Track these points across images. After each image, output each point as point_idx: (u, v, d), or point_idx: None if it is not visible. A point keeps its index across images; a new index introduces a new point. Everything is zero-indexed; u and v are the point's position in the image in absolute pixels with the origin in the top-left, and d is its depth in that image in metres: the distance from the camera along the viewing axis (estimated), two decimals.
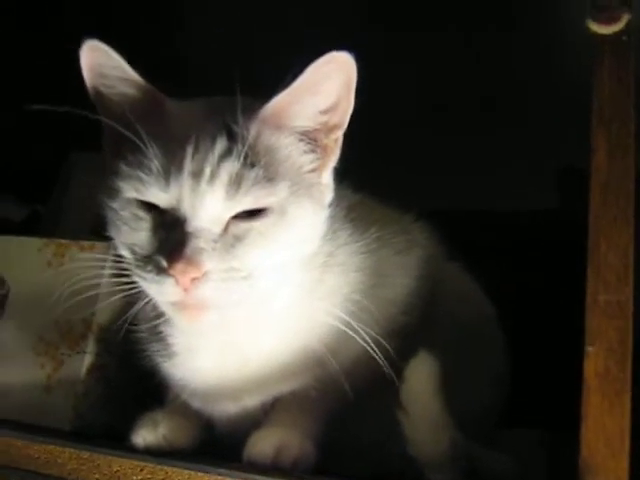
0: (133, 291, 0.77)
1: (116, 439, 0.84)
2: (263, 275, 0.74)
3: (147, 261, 0.73)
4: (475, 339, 0.90)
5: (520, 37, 1.33)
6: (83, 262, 0.89)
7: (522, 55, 1.34)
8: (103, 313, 0.93)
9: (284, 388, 0.83)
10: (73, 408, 0.91)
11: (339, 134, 0.79)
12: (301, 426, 0.81)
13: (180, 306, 0.73)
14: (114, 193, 0.77)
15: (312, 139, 0.79)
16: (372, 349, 0.76)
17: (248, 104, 0.77)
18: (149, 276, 0.73)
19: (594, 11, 0.72)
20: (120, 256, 0.78)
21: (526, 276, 1.26)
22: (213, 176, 0.72)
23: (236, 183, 0.72)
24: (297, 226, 0.76)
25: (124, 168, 0.75)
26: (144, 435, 0.83)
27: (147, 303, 0.79)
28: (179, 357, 0.83)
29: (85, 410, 0.92)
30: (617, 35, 0.71)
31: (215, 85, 0.76)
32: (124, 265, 0.77)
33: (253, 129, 0.75)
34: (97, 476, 0.80)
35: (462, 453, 0.76)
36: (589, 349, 0.65)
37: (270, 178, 0.74)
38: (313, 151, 0.79)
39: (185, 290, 0.70)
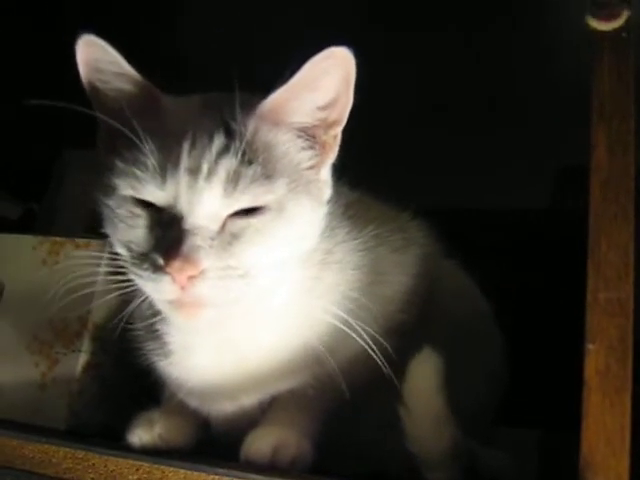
0: (129, 289, 0.76)
1: (112, 438, 0.84)
2: (261, 273, 0.73)
3: (143, 259, 0.73)
4: (471, 336, 0.89)
5: (520, 35, 1.33)
6: (78, 260, 0.88)
7: (522, 53, 1.33)
8: (98, 311, 0.93)
9: (282, 387, 0.82)
10: (68, 407, 0.91)
11: (338, 130, 0.78)
12: (299, 425, 0.81)
13: (177, 304, 0.73)
14: (110, 190, 0.76)
15: (311, 135, 0.78)
16: (370, 348, 0.75)
17: (246, 100, 0.76)
18: (145, 274, 0.72)
19: (594, 8, 0.71)
20: (116, 254, 0.77)
21: (525, 275, 1.26)
22: (210, 173, 0.71)
23: (234, 180, 0.71)
24: (295, 223, 0.75)
25: (120, 165, 0.75)
26: (140, 434, 0.82)
27: (143, 301, 0.78)
28: (175, 356, 0.82)
29: (80, 409, 0.92)
30: (617, 32, 0.71)
31: (214, 81, 0.76)
32: (120, 263, 0.76)
33: (251, 125, 0.75)
34: (92, 476, 0.80)
35: (463, 451, 0.76)
36: (589, 347, 0.65)
37: (268, 175, 0.73)
38: (312, 147, 0.78)
39: (182, 288, 0.70)
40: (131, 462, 0.78)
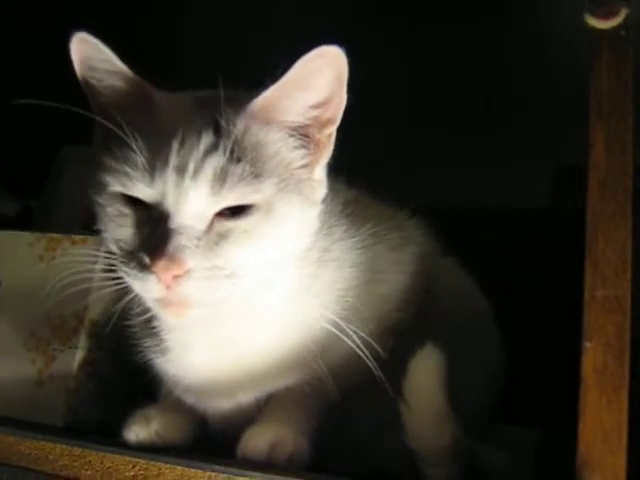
0: (124, 286, 0.76)
1: (108, 435, 0.83)
2: (248, 273, 0.73)
3: (131, 257, 0.73)
4: (470, 335, 0.89)
5: (518, 33, 1.33)
6: (75, 256, 0.88)
7: (520, 51, 1.34)
8: (95, 308, 0.93)
9: (279, 384, 0.82)
10: (65, 404, 0.91)
11: (332, 129, 0.77)
12: (295, 422, 0.81)
13: (164, 303, 0.73)
14: (101, 188, 0.76)
15: (303, 134, 0.78)
16: (362, 350, 0.75)
17: (240, 98, 0.76)
18: (133, 272, 0.72)
19: (592, 5, 0.71)
20: (110, 251, 0.78)
21: (522, 273, 1.26)
22: (197, 172, 0.71)
23: (221, 179, 0.71)
24: (285, 223, 0.75)
25: (111, 162, 0.75)
26: (137, 431, 0.82)
27: (133, 298, 0.78)
28: (172, 353, 0.82)
29: (77, 406, 0.92)
30: (615, 30, 0.71)
31: (209, 79, 0.75)
32: (112, 260, 0.76)
33: (241, 124, 0.74)
34: (89, 472, 0.80)
35: (463, 448, 0.76)
36: (587, 345, 0.65)
37: (257, 174, 0.73)
38: (304, 147, 0.78)
39: (167, 287, 0.70)
40: (128, 459, 0.78)
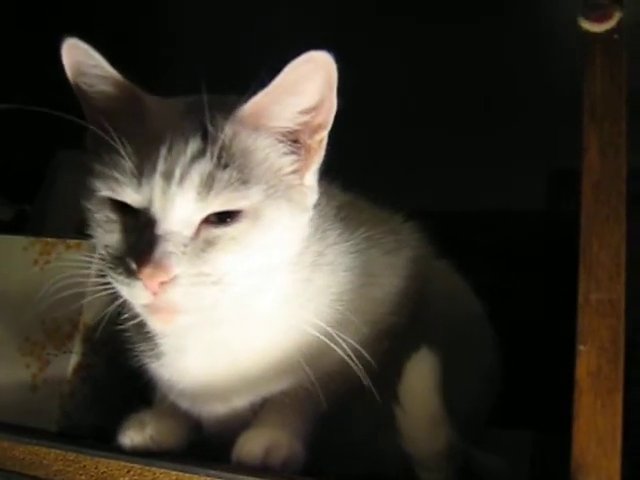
0: (115, 291, 0.76)
1: (103, 440, 0.83)
2: (236, 280, 0.73)
3: (118, 263, 0.73)
4: (464, 338, 0.89)
5: (515, 34, 1.33)
6: (69, 261, 0.88)
7: (515, 54, 1.34)
8: (89, 312, 0.93)
9: (273, 388, 0.82)
10: (59, 408, 0.90)
11: (323, 134, 0.77)
12: (290, 426, 0.81)
13: (151, 309, 0.73)
14: (90, 193, 0.76)
15: (293, 140, 0.77)
16: (350, 358, 0.75)
17: (229, 103, 0.76)
18: (120, 278, 0.72)
19: (586, 9, 0.72)
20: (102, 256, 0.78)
21: (517, 276, 1.26)
22: (183, 178, 0.71)
23: (208, 185, 0.71)
24: (273, 230, 0.74)
25: (100, 167, 0.75)
26: (131, 436, 0.82)
27: (124, 303, 0.78)
28: (167, 357, 0.82)
29: (71, 410, 0.91)
30: (609, 33, 0.71)
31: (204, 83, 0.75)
32: (102, 266, 0.77)
33: (229, 129, 0.74)
34: (83, 477, 0.79)
35: (458, 452, 0.76)
36: (581, 348, 0.65)
37: (244, 181, 0.72)
38: (294, 152, 0.77)
39: (154, 294, 0.70)
40: (122, 464, 0.78)
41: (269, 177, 0.75)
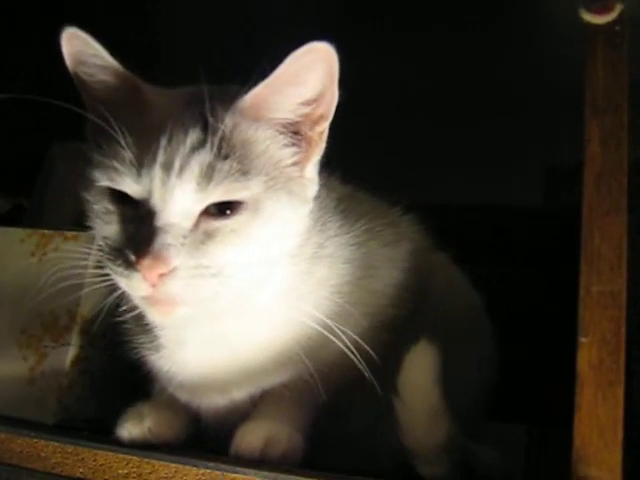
0: (113, 282, 0.76)
1: (101, 432, 0.83)
2: (235, 272, 0.72)
3: (117, 255, 0.72)
4: (463, 330, 0.89)
5: (510, 32, 1.33)
6: (67, 252, 0.87)
7: (514, 46, 1.34)
8: (87, 305, 0.92)
9: (272, 380, 0.82)
10: (57, 401, 0.90)
11: (324, 126, 0.77)
12: (290, 418, 0.81)
13: (150, 301, 0.72)
14: (90, 183, 0.76)
15: (294, 132, 0.77)
16: (351, 350, 0.75)
17: (230, 93, 0.75)
18: (119, 270, 0.72)
19: (587, 1, 0.72)
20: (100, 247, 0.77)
21: (516, 269, 1.26)
22: (182, 169, 0.70)
23: (207, 175, 0.70)
24: (273, 222, 0.74)
25: (100, 158, 0.74)
26: (129, 428, 0.82)
27: (123, 295, 0.78)
28: (166, 349, 0.82)
29: (69, 403, 0.91)
30: (610, 25, 0.71)
31: (205, 73, 0.75)
32: (101, 257, 0.76)
33: (229, 120, 0.74)
34: (82, 470, 0.79)
35: (457, 445, 0.76)
36: (582, 340, 0.65)
37: (244, 172, 0.72)
38: (295, 144, 0.77)
39: (153, 286, 0.69)
40: (121, 456, 0.78)
41: (269, 169, 0.75)
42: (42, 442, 0.82)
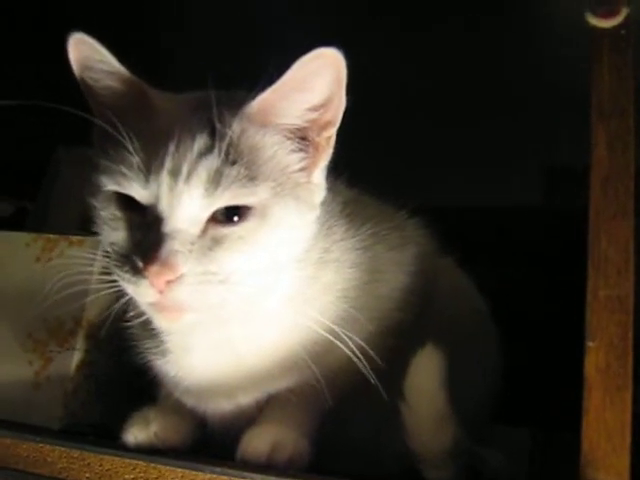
0: (120, 288, 0.75)
1: (107, 437, 0.83)
2: (243, 279, 0.72)
3: (124, 261, 0.72)
4: (469, 335, 0.89)
5: (510, 34, 1.33)
6: (72, 258, 0.87)
7: (513, 47, 1.34)
8: (93, 309, 0.92)
9: (279, 385, 0.82)
10: (63, 406, 0.90)
11: (332, 132, 0.76)
12: (296, 423, 0.81)
13: (157, 307, 0.72)
14: (96, 189, 0.76)
15: (301, 137, 0.77)
16: (357, 356, 0.75)
17: (238, 99, 0.75)
18: (126, 276, 0.72)
19: (593, 5, 0.71)
20: (107, 252, 0.77)
21: (521, 273, 1.26)
22: (190, 175, 0.70)
23: (215, 181, 0.70)
24: (281, 228, 0.74)
25: (107, 163, 0.74)
26: (135, 433, 0.81)
27: (130, 300, 0.78)
28: (172, 354, 0.81)
29: (75, 408, 0.91)
30: (616, 29, 0.71)
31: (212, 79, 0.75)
32: (107, 263, 0.76)
33: (237, 126, 0.74)
34: (88, 475, 0.79)
35: (463, 449, 0.76)
36: (590, 344, 0.65)
37: (252, 177, 0.72)
38: (302, 150, 0.77)
39: (160, 292, 0.69)
40: (127, 461, 0.78)
41: (277, 175, 0.75)
42: (48, 447, 0.82)
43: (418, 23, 1.39)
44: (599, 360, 0.64)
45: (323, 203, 0.80)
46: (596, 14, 0.71)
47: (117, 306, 0.80)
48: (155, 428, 0.82)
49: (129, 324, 0.84)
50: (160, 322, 0.76)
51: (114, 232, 0.74)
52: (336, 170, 0.82)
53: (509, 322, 0.95)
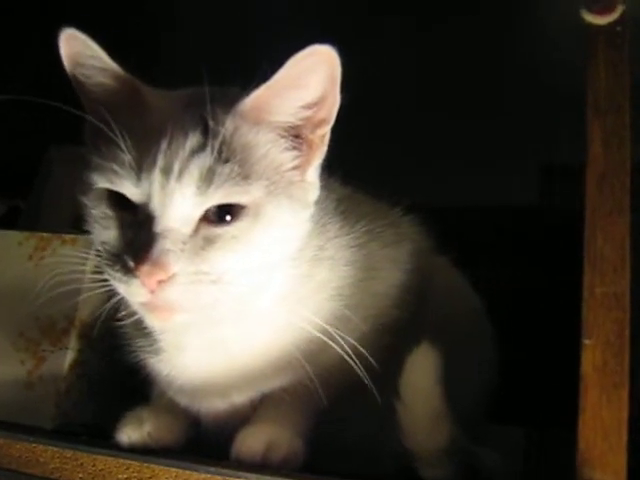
0: (112, 287, 0.75)
1: (100, 437, 0.82)
2: (236, 279, 0.72)
3: (116, 260, 0.72)
4: (464, 333, 0.89)
5: (508, 33, 1.33)
6: (65, 256, 0.86)
7: (515, 46, 1.33)
8: (85, 308, 0.91)
9: (273, 384, 0.81)
10: (55, 405, 0.89)
11: (326, 130, 0.76)
12: (290, 422, 0.80)
13: (149, 307, 0.72)
14: (88, 187, 0.75)
15: (295, 135, 0.76)
16: (349, 356, 0.74)
17: (231, 96, 0.75)
18: (117, 275, 0.71)
19: (589, 1, 0.71)
20: (99, 251, 0.77)
21: (516, 271, 1.26)
22: (182, 173, 0.70)
23: (207, 179, 0.70)
24: (274, 228, 0.73)
25: (99, 160, 0.74)
26: (129, 433, 0.81)
27: (121, 299, 0.77)
28: (165, 353, 0.81)
29: (68, 407, 0.90)
30: (612, 26, 0.71)
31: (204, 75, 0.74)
32: (99, 262, 0.76)
33: (230, 124, 0.73)
34: (81, 475, 0.79)
35: (459, 448, 0.75)
36: (586, 342, 0.64)
37: (245, 176, 0.71)
38: (296, 148, 0.76)
39: (152, 292, 0.69)
40: (121, 461, 0.77)
41: (270, 173, 0.74)
42: (41, 447, 0.81)
43: (417, 23, 1.39)
44: (596, 358, 0.64)
45: (317, 201, 0.79)
46: (592, 11, 0.71)
47: (109, 305, 0.79)
48: (148, 428, 0.81)
49: (121, 323, 0.83)
50: (152, 322, 0.76)
51: (105, 231, 0.74)
52: (330, 168, 0.82)
53: (504, 321, 0.94)
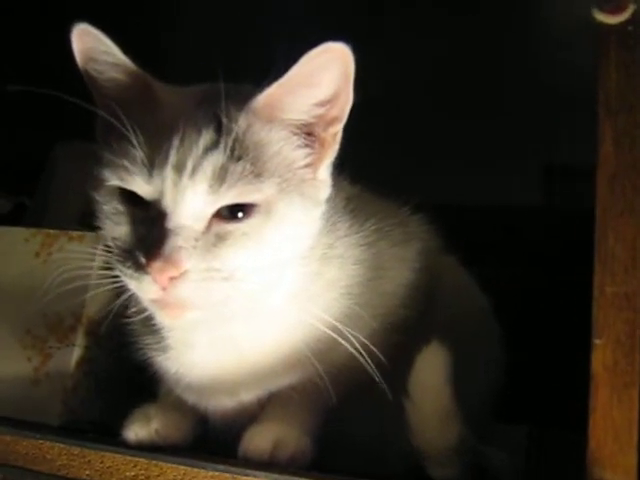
0: (121, 284, 0.75)
1: (107, 434, 0.82)
2: (247, 276, 0.72)
3: (127, 256, 0.72)
4: (472, 332, 0.89)
5: (510, 33, 1.33)
6: (72, 253, 0.87)
7: (517, 46, 1.33)
8: (93, 305, 0.91)
9: (281, 382, 0.81)
10: (62, 402, 0.89)
11: (338, 128, 0.76)
12: (298, 421, 0.80)
13: (160, 304, 0.72)
14: (99, 183, 0.75)
15: (307, 133, 0.76)
16: (360, 353, 0.74)
17: (244, 93, 0.75)
18: (129, 272, 0.71)
19: (600, 1, 0.71)
20: (108, 247, 0.76)
21: (524, 271, 1.26)
22: (195, 170, 0.70)
23: (220, 177, 0.70)
24: (286, 225, 0.73)
25: (110, 156, 0.74)
26: (136, 430, 0.81)
27: (131, 296, 0.77)
28: (173, 351, 0.81)
29: (75, 404, 0.90)
30: (623, 25, 0.70)
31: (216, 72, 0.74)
32: (109, 258, 0.75)
33: (243, 121, 0.73)
34: (88, 472, 0.79)
35: (468, 447, 0.75)
36: (597, 342, 0.64)
37: (257, 174, 0.71)
38: (308, 146, 0.76)
39: (163, 289, 0.69)
40: (128, 458, 0.77)
41: (282, 171, 0.74)
42: (48, 444, 0.81)
43: (418, 23, 1.39)
44: (606, 358, 0.64)
45: (327, 199, 0.79)
46: (603, 10, 0.71)
47: (118, 302, 0.79)
48: (156, 425, 0.81)
49: (129, 320, 0.83)
50: (162, 319, 0.76)
51: (117, 227, 0.74)
52: (341, 166, 0.82)
53: (511, 320, 0.94)
